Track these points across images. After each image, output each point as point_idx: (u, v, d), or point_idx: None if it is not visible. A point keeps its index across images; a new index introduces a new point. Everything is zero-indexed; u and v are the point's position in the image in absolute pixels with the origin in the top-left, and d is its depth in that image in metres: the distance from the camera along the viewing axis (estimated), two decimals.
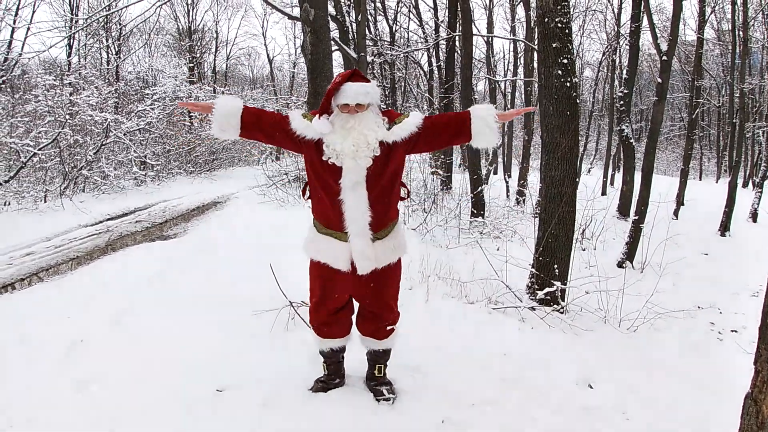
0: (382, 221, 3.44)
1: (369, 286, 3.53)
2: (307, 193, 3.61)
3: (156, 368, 4.23)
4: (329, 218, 3.42)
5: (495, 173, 26.52)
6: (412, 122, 3.36)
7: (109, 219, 12.25)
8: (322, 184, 3.38)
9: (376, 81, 3.36)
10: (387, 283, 3.60)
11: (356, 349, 3.92)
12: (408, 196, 3.66)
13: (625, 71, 15.11)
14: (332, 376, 3.90)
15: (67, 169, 14.57)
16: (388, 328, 3.72)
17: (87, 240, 9.93)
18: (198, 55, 33.50)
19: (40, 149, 13.34)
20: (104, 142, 16.03)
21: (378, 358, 3.85)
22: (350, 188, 3.28)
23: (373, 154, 3.28)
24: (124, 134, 17.15)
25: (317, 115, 3.31)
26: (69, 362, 4.42)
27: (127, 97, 21.83)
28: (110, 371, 4.21)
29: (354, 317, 3.83)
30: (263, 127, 3.43)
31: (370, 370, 3.91)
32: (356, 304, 3.77)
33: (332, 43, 6.33)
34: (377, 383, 3.85)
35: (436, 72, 22.80)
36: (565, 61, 5.91)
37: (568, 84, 5.92)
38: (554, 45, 5.90)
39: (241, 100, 3.49)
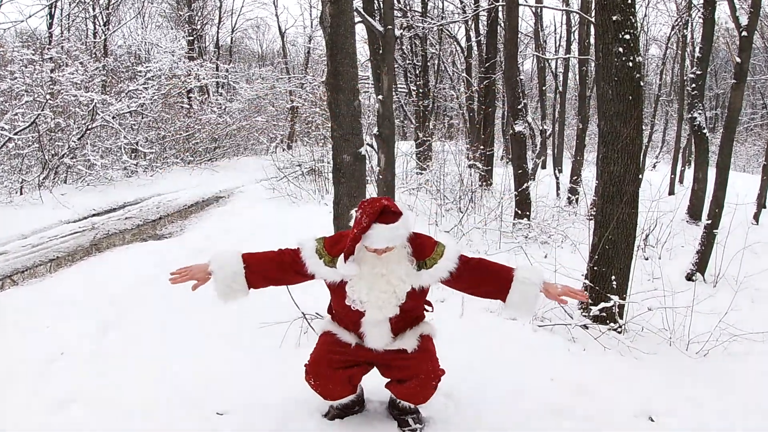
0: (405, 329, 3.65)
1: (399, 361, 3.64)
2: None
3: (147, 387, 4.29)
4: (349, 330, 3.65)
5: (543, 167, 26.43)
6: (444, 267, 3.45)
7: (94, 215, 12.42)
8: (343, 313, 3.56)
9: (403, 219, 3.32)
10: (423, 350, 3.67)
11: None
12: (432, 311, 3.80)
13: (697, 49, 14.95)
14: (349, 403, 3.92)
15: (47, 157, 14.76)
16: (432, 384, 3.70)
17: (69, 238, 10.08)
18: (198, 27, 33.66)
19: (16, 133, 13.54)
20: (90, 126, 16.20)
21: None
22: (373, 325, 3.49)
23: (400, 303, 3.42)
24: (113, 117, 17.32)
25: (342, 256, 3.31)
26: (47, 379, 4.50)
27: (116, 75, 22.08)
28: (94, 390, 4.27)
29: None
30: (273, 277, 3.58)
31: (393, 398, 3.92)
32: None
33: (355, 14, 6.35)
34: (402, 412, 3.87)
35: (475, 48, 22.71)
36: (627, 36, 5.88)
37: (630, 63, 5.89)
38: (614, 18, 5.87)
39: (237, 252, 3.58)
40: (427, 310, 3.73)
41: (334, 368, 3.63)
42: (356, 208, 3.32)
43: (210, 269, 3.49)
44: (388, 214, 3.26)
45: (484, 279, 3.54)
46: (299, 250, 3.46)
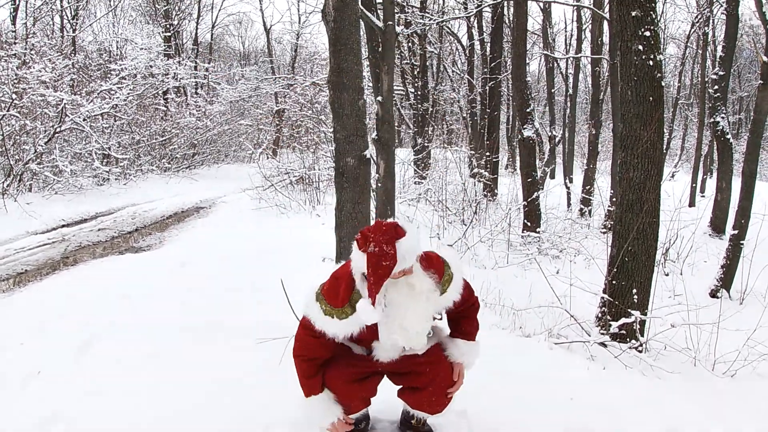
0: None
1: (414, 367, 3.71)
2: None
3: (134, 408, 4.36)
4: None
5: (552, 177, 26.55)
6: (455, 290, 3.62)
7: (64, 225, 12.49)
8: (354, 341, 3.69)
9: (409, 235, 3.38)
10: (437, 355, 3.78)
11: (384, 384, 3.99)
12: (441, 319, 3.87)
13: (720, 48, 15.13)
14: (360, 417, 3.95)
15: (11, 163, 14.77)
16: (448, 391, 3.79)
17: (38, 251, 10.14)
18: (176, 22, 33.83)
19: None
20: (58, 129, 16.25)
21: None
22: (385, 351, 3.61)
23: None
24: (83, 119, 17.37)
25: (362, 305, 3.32)
26: (26, 398, 4.58)
27: (87, 73, 22.10)
28: (78, 409, 4.34)
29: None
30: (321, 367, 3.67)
31: (408, 417, 4.01)
32: None
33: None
34: (415, 431, 3.97)
35: (478, 47, 22.90)
36: (648, 33, 6.00)
37: (650, 62, 6.00)
38: (634, 13, 5.99)
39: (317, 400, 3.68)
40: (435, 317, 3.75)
41: (351, 382, 3.68)
42: (358, 243, 3.33)
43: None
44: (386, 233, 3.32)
45: (463, 324, 3.84)
46: (310, 323, 3.52)
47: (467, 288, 3.68)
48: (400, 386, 3.87)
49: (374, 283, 3.19)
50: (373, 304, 3.24)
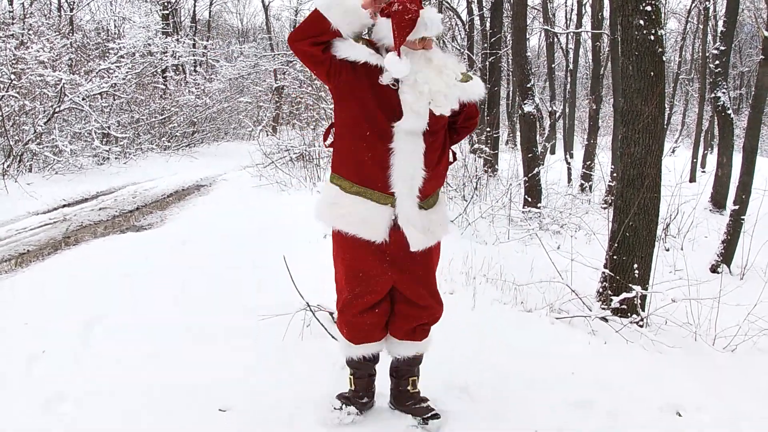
0: (432, 187, 3.56)
1: (411, 269, 3.61)
2: (330, 139, 3.65)
3: (141, 384, 4.40)
4: (367, 173, 3.44)
5: (552, 152, 26.52)
6: (477, 91, 3.62)
7: (65, 205, 12.50)
8: (367, 126, 3.39)
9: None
10: (430, 266, 3.73)
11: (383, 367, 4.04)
12: (455, 160, 3.82)
13: (721, 22, 15.06)
14: (360, 393, 3.96)
15: (11, 143, 14.76)
16: (429, 325, 3.84)
17: (39, 231, 10.15)
18: None
19: None
20: (57, 109, 16.23)
21: (411, 367, 3.93)
22: (407, 134, 3.37)
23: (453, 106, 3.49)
24: (83, 99, 17.35)
25: (390, 56, 3.24)
26: (31, 378, 4.60)
27: (85, 53, 22.04)
28: (84, 388, 4.37)
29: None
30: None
31: (402, 386, 3.97)
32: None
33: None
34: (415, 402, 3.93)
35: (478, 22, 22.79)
36: (649, 8, 5.98)
37: (652, 37, 5.98)
38: None
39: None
40: (450, 162, 3.72)
41: (367, 309, 3.64)
42: (381, 12, 3.34)
43: None
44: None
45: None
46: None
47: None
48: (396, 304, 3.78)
49: (398, 36, 3.22)
50: (398, 54, 3.23)
